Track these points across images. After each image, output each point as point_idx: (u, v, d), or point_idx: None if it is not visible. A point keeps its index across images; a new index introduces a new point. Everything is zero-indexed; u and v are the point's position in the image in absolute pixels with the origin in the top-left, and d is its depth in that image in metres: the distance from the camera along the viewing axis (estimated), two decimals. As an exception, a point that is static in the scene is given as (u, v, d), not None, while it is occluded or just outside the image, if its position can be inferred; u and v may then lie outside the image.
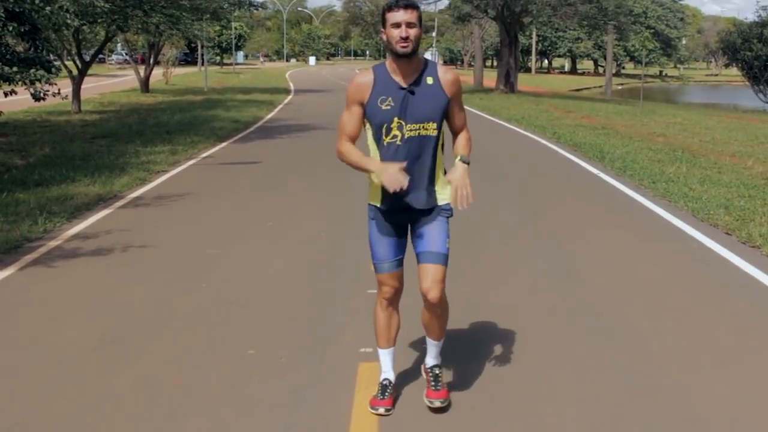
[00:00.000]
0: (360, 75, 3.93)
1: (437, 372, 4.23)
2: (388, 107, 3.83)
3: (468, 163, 3.95)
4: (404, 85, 3.85)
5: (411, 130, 3.85)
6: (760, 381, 4.62)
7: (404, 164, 3.78)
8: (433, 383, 4.19)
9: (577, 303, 6.02)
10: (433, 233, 3.99)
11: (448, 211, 4.05)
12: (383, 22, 3.80)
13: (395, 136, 3.86)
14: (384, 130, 3.87)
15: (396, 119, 3.84)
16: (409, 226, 4.07)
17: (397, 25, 3.74)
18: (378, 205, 3.99)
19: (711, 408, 4.26)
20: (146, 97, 30.86)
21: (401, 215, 4.00)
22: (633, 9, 51.47)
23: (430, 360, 4.28)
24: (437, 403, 4.10)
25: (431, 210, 4.00)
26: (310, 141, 17.09)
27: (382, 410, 4.10)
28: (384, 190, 3.89)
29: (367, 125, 3.95)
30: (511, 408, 4.23)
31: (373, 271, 4.10)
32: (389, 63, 3.88)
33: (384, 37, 3.83)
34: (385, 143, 3.88)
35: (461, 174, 3.85)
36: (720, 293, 6.40)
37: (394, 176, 3.71)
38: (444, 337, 4.26)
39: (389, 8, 3.77)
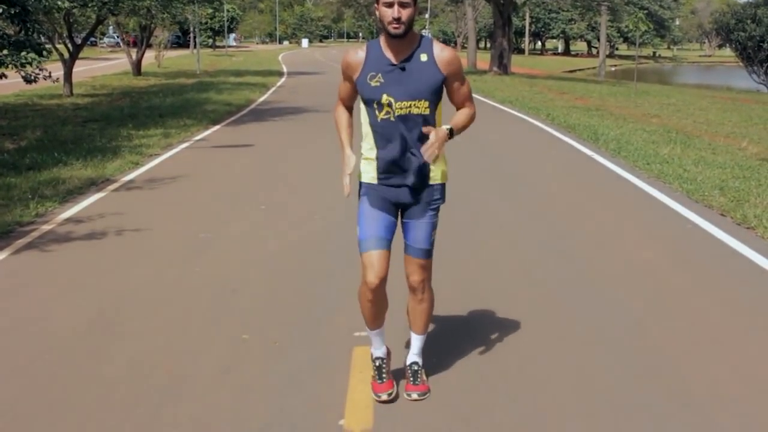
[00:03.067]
0: (352, 51, 3.88)
1: (416, 369, 4.18)
2: (377, 84, 3.76)
3: (451, 133, 3.84)
4: (395, 62, 3.77)
5: (401, 108, 3.77)
6: (756, 361, 4.62)
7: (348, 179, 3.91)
8: (411, 379, 4.16)
9: (573, 284, 6.01)
10: (419, 229, 3.98)
11: (440, 200, 4.00)
12: None
13: (388, 113, 3.80)
14: (376, 106, 3.80)
15: (385, 96, 3.76)
16: (400, 210, 3.99)
17: (390, 5, 3.63)
18: (375, 182, 3.92)
19: (706, 388, 4.26)
20: (138, 80, 30.70)
21: (396, 191, 3.91)
22: (626, -11, 51.35)
23: (411, 356, 4.23)
24: (415, 395, 4.09)
25: (423, 192, 3.93)
26: (303, 123, 17.02)
27: (385, 396, 4.04)
28: (381, 162, 3.87)
29: (361, 103, 3.92)
30: (507, 391, 4.21)
31: (360, 250, 3.96)
32: (383, 39, 3.81)
33: (377, 14, 3.73)
34: (379, 119, 3.81)
35: (441, 136, 3.76)
36: (715, 274, 6.39)
37: (345, 172, 3.89)
38: (426, 332, 4.23)
39: None
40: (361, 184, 3.99)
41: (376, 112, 3.82)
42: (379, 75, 3.77)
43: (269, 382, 4.29)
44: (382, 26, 3.73)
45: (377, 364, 4.16)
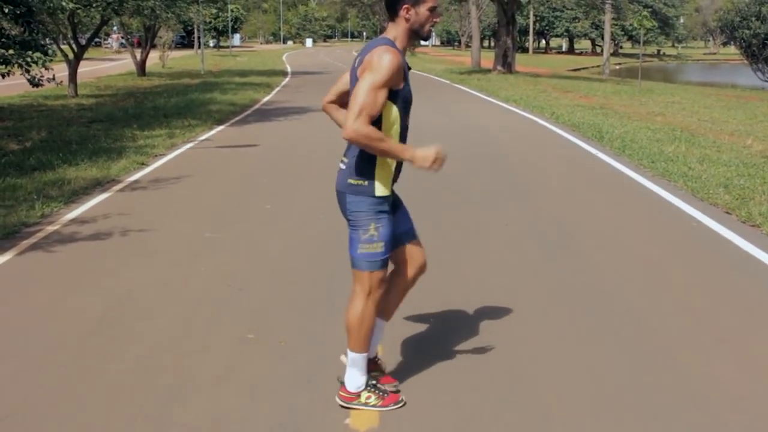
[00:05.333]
0: (395, 53, 3.62)
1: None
2: (409, 86, 3.76)
3: None
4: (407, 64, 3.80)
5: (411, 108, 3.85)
6: (761, 360, 4.62)
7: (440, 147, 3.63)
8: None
9: (577, 282, 6.01)
10: (406, 213, 4.04)
11: None
12: (417, 0, 3.67)
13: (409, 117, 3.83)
14: (409, 109, 3.79)
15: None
16: None
17: (434, 10, 3.71)
18: (389, 193, 3.80)
19: (712, 387, 4.25)
20: (143, 81, 30.75)
21: (394, 192, 3.95)
22: (630, -12, 51.35)
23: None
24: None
25: None
26: (307, 123, 17.03)
27: (404, 398, 4.03)
28: (398, 165, 3.81)
29: (393, 108, 3.70)
30: (512, 390, 4.22)
31: (376, 269, 3.80)
32: (400, 42, 3.73)
33: (408, 14, 3.68)
34: (408, 122, 3.80)
35: None
36: (720, 272, 6.38)
37: (435, 156, 3.60)
38: None
39: None
40: (377, 199, 3.77)
41: (409, 115, 3.80)
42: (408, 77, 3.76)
43: (275, 381, 4.30)
44: (415, 29, 3.71)
45: (374, 382, 4.03)
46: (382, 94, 3.58)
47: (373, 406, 3.95)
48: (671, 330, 5.07)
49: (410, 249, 4.04)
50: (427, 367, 4.44)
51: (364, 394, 3.97)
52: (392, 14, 3.74)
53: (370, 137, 3.53)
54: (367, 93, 3.55)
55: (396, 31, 3.74)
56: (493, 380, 4.32)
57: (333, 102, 4.13)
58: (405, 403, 4.00)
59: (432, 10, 3.71)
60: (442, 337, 4.88)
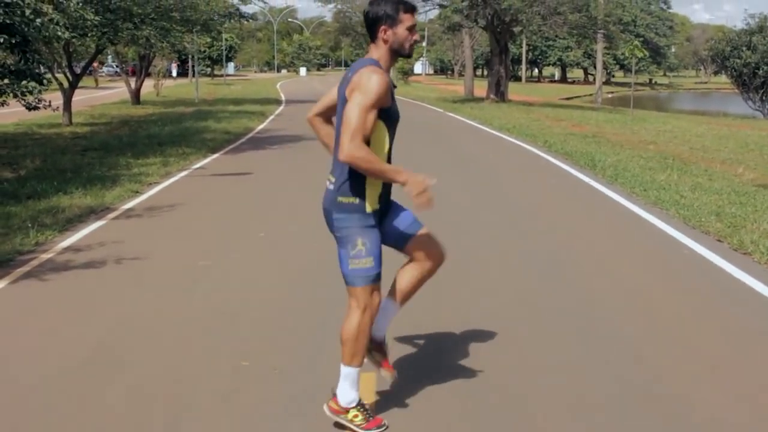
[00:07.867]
0: (381, 73, 3.75)
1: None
2: (396, 104, 3.87)
3: None
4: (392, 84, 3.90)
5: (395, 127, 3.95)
6: (752, 387, 4.63)
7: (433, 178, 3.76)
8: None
9: (569, 308, 6.03)
10: (403, 210, 4.09)
11: None
12: (394, 21, 3.77)
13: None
14: (395, 127, 3.88)
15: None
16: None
17: (412, 29, 3.81)
18: (378, 207, 3.90)
19: (703, 414, 4.27)
20: (137, 109, 30.80)
21: (384, 207, 4.01)
22: (622, 18, 51.74)
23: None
24: None
25: None
26: (301, 151, 17.07)
27: (386, 423, 4.03)
28: (383, 187, 3.88)
29: (381, 125, 3.82)
30: (503, 413, 4.22)
31: (368, 284, 3.87)
32: (384, 62, 3.85)
33: (386, 35, 3.80)
34: (393, 139, 3.90)
35: None
36: (712, 300, 6.41)
37: (425, 185, 3.69)
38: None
39: (412, 10, 3.82)
40: (363, 214, 3.89)
41: (395, 132, 3.89)
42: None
43: (269, 408, 4.31)
44: (396, 48, 3.82)
45: (363, 402, 4.04)
46: (373, 115, 3.70)
47: (357, 426, 3.95)
48: (663, 357, 5.08)
49: (420, 241, 4.08)
50: (418, 392, 4.44)
51: (353, 412, 3.97)
52: (372, 36, 3.86)
53: (366, 159, 3.65)
54: (358, 115, 3.66)
55: (378, 52, 3.86)
56: (485, 406, 4.32)
57: (319, 115, 4.25)
58: (387, 428, 4.00)
59: (410, 29, 3.81)
60: (432, 362, 4.88)
